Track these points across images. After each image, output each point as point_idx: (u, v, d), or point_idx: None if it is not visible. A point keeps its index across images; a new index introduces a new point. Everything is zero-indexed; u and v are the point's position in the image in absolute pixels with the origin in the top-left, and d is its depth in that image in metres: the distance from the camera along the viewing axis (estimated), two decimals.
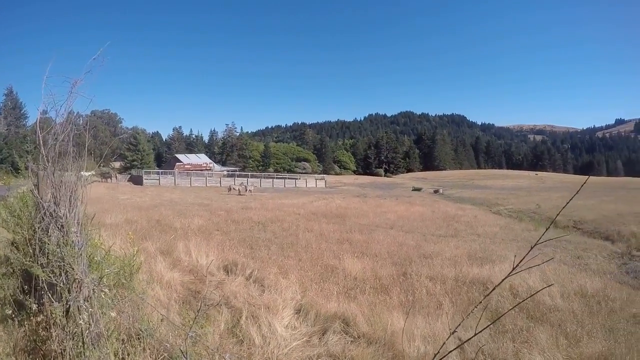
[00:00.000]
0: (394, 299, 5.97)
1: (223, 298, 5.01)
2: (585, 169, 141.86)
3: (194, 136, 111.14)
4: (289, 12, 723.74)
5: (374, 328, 4.42)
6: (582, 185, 1.65)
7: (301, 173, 76.83)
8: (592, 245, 13.84)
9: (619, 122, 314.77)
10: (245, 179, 48.21)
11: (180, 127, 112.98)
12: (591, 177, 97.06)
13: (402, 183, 66.26)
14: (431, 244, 11.35)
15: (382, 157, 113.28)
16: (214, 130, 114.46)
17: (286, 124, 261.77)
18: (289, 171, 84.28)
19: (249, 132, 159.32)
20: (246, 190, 32.12)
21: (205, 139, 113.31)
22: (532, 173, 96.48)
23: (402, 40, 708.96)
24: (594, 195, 30.79)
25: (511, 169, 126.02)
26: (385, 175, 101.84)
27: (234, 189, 32.45)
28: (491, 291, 1.48)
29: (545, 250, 13.07)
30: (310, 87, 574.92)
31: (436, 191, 43.19)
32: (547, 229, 1.53)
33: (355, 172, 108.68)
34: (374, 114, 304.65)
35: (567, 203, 1.61)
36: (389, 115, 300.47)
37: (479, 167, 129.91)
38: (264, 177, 54.19)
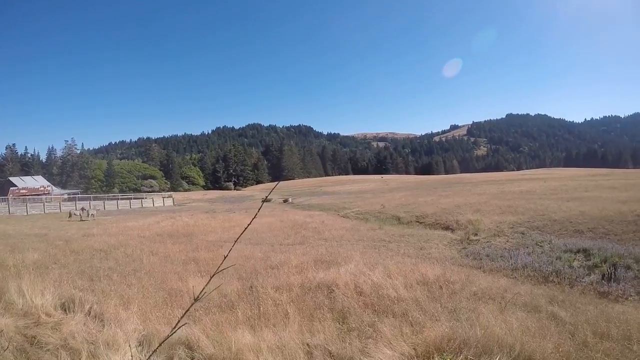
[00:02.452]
0: (239, 315, 7.14)
1: (61, 340, 5.59)
2: (426, 170, 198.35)
3: (29, 155, 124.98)
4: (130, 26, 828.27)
5: (220, 348, 5.31)
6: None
7: (148, 192, 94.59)
8: (434, 236, 18.59)
9: (454, 127, 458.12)
10: (88, 202, 56.81)
11: (14, 144, 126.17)
12: (430, 176, 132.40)
13: (251, 195, 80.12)
14: (279, 253, 14.12)
15: (231, 171, 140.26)
16: (52, 147, 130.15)
17: (131, 139, 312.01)
18: (135, 190, 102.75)
19: (91, 149, 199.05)
20: (88, 215, 38.14)
21: (43, 157, 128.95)
22: (377, 176, 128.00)
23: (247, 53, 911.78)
24: (434, 192, 41.84)
25: (357, 174, 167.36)
26: (235, 189, 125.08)
27: (74, 214, 38.16)
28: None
29: (391, 246, 16.79)
30: (155, 100, 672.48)
31: (285, 200, 54.85)
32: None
33: (205, 187, 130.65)
34: (221, 126, 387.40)
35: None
36: (237, 127, 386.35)
37: (327, 175, 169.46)
38: (108, 199, 64.14)
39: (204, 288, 1.89)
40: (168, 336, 1.80)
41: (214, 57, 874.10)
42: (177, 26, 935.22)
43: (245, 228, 2.06)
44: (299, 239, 19.15)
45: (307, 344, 5.49)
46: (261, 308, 7.53)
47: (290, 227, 23.41)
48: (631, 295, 9.52)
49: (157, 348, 5.18)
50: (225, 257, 2.00)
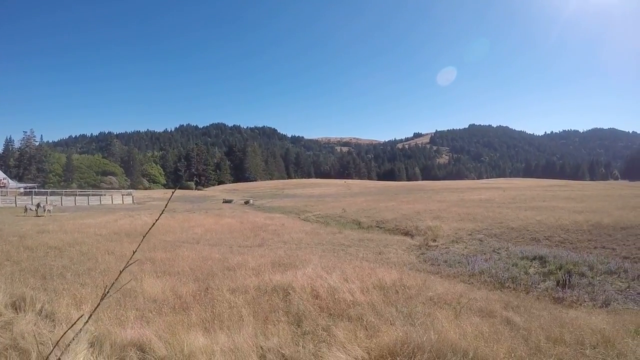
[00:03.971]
0: (193, 317, 7.13)
1: (11, 340, 5.52)
2: (388, 176, 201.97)
3: None
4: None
5: (172, 351, 5.35)
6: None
7: (107, 188, 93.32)
8: (393, 241, 18.86)
9: (417, 135, 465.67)
10: (45, 197, 55.93)
11: None
12: (392, 182, 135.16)
13: (213, 196, 79.77)
14: (237, 255, 14.20)
15: (193, 170, 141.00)
16: (10, 138, 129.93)
17: (92, 134, 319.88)
18: (94, 186, 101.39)
19: (51, 141, 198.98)
20: (45, 210, 37.95)
21: (0, 149, 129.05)
22: (340, 181, 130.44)
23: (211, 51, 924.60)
24: (395, 198, 42.55)
25: (320, 178, 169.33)
26: (196, 189, 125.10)
27: (30, 209, 38.12)
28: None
29: (350, 250, 16.94)
30: (118, 93, 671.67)
31: (247, 202, 55.32)
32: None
33: (166, 186, 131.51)
34: (185, 124, 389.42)
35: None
36: (200, 126, 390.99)
37: (290, 177, 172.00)
38: (66, 195, 62.98)
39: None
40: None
41: (183, 58, 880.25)
42: (154, 27, 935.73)
43: (151, 226, 1.88)
44: (258, 241, 19.30)
45: (261, 347, 5.53)
46: (216, 310, 7.46)
47: (250, 229, 23.62)
48: (585, 301, 9.85)
49: (109, 351, 5.51)
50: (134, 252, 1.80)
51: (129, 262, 2.07)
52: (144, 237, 2.36)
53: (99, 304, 2.32)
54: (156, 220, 2.41)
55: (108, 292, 2.02)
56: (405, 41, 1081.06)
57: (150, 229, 2.38)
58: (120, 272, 2.41)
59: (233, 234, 21.38)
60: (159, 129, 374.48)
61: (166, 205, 2.36)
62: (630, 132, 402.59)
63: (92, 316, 6.63)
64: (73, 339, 5.32)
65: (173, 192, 3.21)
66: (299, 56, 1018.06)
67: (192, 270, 11.47)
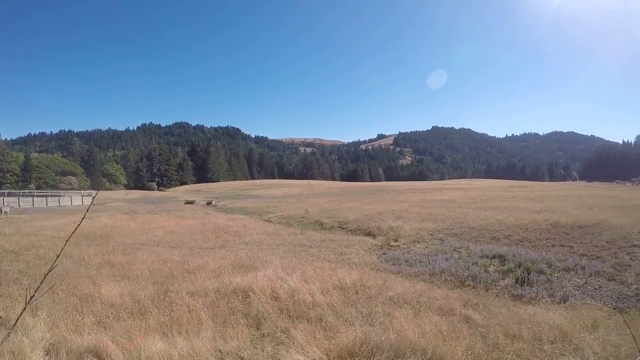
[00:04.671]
0: (151, 322, 7.06)
1: None
2: (351, 176, 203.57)
3: None
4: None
5: (130, 356, 5.30)
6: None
7: (67, 189, 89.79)
8: (355, 242, 18.96)
9: (381, 136, 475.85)
10: (1, 198, 53.48)
11: None
12: (356, 183, 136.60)
13: (175, 196, 79.35)
14: (197, 257, 14.16)
15: (155, 170, 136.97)
16: None
17: (52, 132, 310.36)
18: (54, 187, 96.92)
19: (9, 139, 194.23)
20: (1, 212, 36.79)
21: None
22: (303, 181, 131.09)
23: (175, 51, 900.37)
24: (358, 199, 42.89)
25: (284, 178, 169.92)
26: (158, 189, 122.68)
27: None
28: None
29: (311, 251, 16.98)
30: (79, 90, 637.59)
31: (209, 203, 55.00)
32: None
33: (127, 187, 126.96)
34: (147, 123, 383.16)
35: None
36: (163, 125, 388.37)
37: (253, 178, 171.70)
38: (24, 195, 60.92)
39: None
40: None
41: (147, 57, 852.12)
42: (118, 27, 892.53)
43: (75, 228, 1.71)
44: (220, 242, 19.23)
45: (220, 351, 5.51)
46: (174, 314, 7.38)
47: (212, 230, 23.56)
48: (544, 298, 10.11)
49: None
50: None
51: (54, 265, 1.90)
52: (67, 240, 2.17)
53: (24, 308, 2.13)
54: (79, 224, 2.21)
55: (33, 296, 1.85)
56: (367, 42, 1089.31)
57: (73, 232, 2.19)
58: (45, 275, 2.20)
59: (194, 236, 21.26)
60: (121, 127, 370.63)
61: (87, 210, 2.17)
62: (589, 135, 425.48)
63: (48, 323, 6.59)
64: (28, 347, 5.39)
65: (94, 196, 3.00)
66: (264, 58, 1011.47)
67: (151, 274, 11.33)
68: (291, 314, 7.52)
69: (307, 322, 6.97)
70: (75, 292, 9.43)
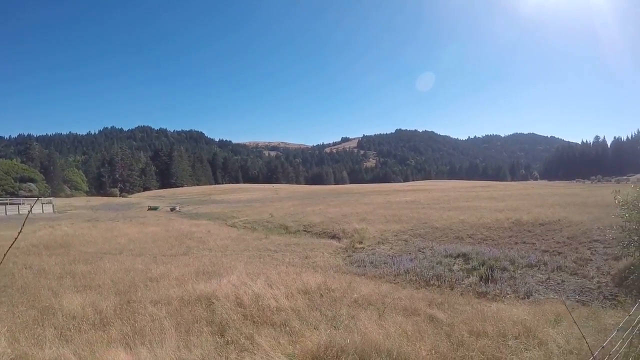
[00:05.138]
0: (114, 333, 6.99)
1: None
2: (316, 180, 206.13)
3: None
4: None
5: None
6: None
7: (26, 196, 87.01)
8: (320, 245, 19.00)
9: (345, 139, 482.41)
10: None
11: None
12: (320, 186, 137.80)
13: (138, 203, 78.16)
14: (161, 265, 14.04)
15: (117, 175, 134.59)
16: None
17: (10, 136, 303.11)
18: (12, 194, 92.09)
19: None
20: None
21: None
22: (268, 185, 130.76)
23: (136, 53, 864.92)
24: (323, 202, 43.02)
25: (248, 182, 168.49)
26: (120, 195, 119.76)
27: None
28: None
29: (276, 255, 16.92)
30: (38, 92, 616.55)
31: (173, 209, 54.25)
32: None
33: (88, 193, 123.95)
34: (109, 127, 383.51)
35: None
36: (125, 129, 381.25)
37: (217, 183, 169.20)
38: None
39: None
40: None
41: (107, 58, 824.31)
42: (77, 29, 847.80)
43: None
44: (183, 249, 18.98)
45: None
46: (137, 324, 7.26)
47: (175, 237, 23.24)
48: (508, 294, 10.31)
49: None
50: None
51: None
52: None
53: None
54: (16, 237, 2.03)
55: None
56: (328, 45, 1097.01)
57: (12, 243, 2.02)
58: None
59: (157, 243, 20.91)
60: (82, 131, 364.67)
61: (24, 221, 2.00)
62: (549, 136, 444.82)
63: (9, 337, 6.44)
64: None
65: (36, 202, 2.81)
66: (226, 59, 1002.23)
67: (113, 283, 11.18)
68: (256, 319, 7.49)
69: (272, 328, 6.97)
70: (36, 304, 9.26)
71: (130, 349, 5.95)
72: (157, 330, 6.87)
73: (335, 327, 6.77)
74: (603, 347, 3.20)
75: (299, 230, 24.47)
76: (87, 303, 8.94)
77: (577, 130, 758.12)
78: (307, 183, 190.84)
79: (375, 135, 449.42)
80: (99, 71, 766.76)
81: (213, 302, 8.42)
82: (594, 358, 3.04)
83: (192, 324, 7.21)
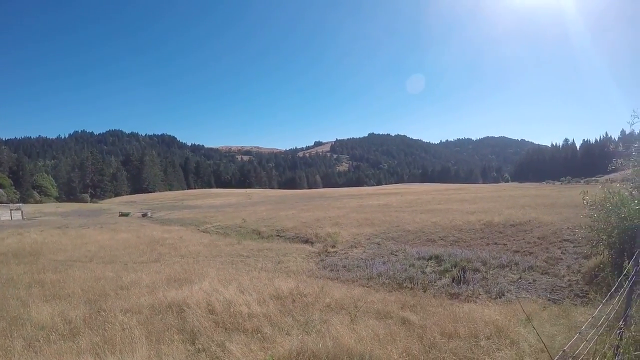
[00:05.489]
0: (84, 343, 6.89)
1: None
2: (289, 184, 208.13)
3: None
4: None
5: None
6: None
7: None
8: (293, 250, 18.95)
9: (318, 144, 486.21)
10: None
11: None
12: (294, 190, 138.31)
13: (109, 209, 77.25)
14: (132, 272, 13.96)
15: (88, 181, 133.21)
16: None
17: None
18: None
19: None
20: None
21: None
22: (241, 190, 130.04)
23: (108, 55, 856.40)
24: (296, 206, 43.05)
25: (221, 187, 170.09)
26: (91, 201, 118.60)
27: None
28: None
29: (249, 261, 16.80)
30: (5, 94, 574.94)
31: (144, 215, 53.75)
32: None
33: (58, 199, 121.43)
34: (80, 131, 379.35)
35: None
36: (96, 133, 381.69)
37: (189, 188, 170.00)
38: None
39: None
40: None
41: (77, 63, 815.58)
42: (45, 26, 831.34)
43: None
44: (155, 256, 18.84)
45: None
46: (107, 334, 7.21)
47: (147, 243, 23.07)
48: (480, 295, 10.41)
49: None
50: None
51: None
52: None
53: None
54: None
55: None
56: (308, 50, 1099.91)
57: None
58: None
59: (128, 250, 20.78)
60: (52, 135, 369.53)
61: None
62: (519, 139, 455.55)
63: None
64: None
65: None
66: (202, 66, 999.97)
67: (83, 292, 11.04)
68: (227, 326, 7.42)
69: (244, 334, 6.91)
70: (4, 315, 9.13)
71: (100, 359, 5.92)
72: (128, 339, 6.79)
73: (307, 332, 6.76)
74: (564, 350, 3.23)
75: (271, 235, 24.41)
76: (57, 313, 8.83)
77: (547, 133, 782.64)
78: (280, 187, 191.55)
79: (348, 139, 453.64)
80: (69, 73, 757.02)
81: (184, 310, 8.32)
82: (564, 354, 3.07)
83: (163, 332, 7.12)
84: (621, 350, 3.73)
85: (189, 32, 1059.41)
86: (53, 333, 7.50)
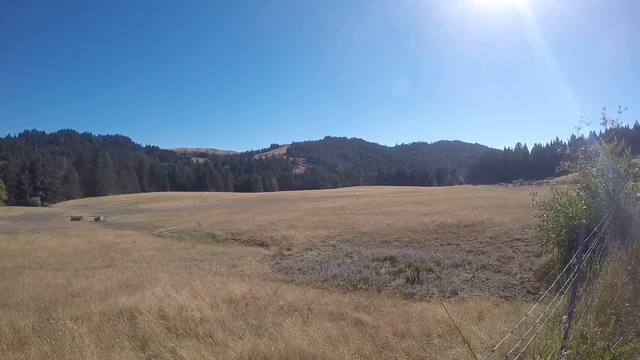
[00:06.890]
0: (32, 353, 6.68)
1: None
2: (245, 187, 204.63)
3: None
4: None
5: None
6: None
7: None
8: (248, 253, 18.87)
9: (274, 146, 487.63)
10: None
11: None
12: (250, 193, 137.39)
13: (61, 212, 73.70)
14: (83, 279, 13.56)
15: (39, 183, 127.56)
16: None
17: None
18: None
19: None
20: None
21: None
22: (197, 193, 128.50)
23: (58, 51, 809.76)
24: (251, 209, 42.82)
25: (176, 190, 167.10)
26: (42, 205, 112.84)
27: None
28: None
29: (203, 265, 16.60)
30: None
31: (97, 219, 52.29)
32: None
33: (7, 202, 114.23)
34: (30, 130, 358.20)
35: None
36: (48, 132, 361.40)
37: (144, 190, 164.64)
38: None
39: None
40: None
41: (27, 58, 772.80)
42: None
43: None
44: (107, 261, 18.43)
45: None
46: (57, 342, 6.95)
47: (99, 248, 22.60)
48: (434, 294, 10.55)
49: None
50: None
51: None
52: None
53: None
54: None
55: None
56: (260, 55, 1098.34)
57: None
58: None
59: (80, 256, 20.29)
60: (1, 134, 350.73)
61: None
62: (473, 143, 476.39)
63: None
64: None
65: None
66: (159, 67, 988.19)
67: (33, 300, 10.70)
68: (179, 332, 7.33)
69: (196, 339, 6.84)
70: None
71: None
72: (77, 348, 6.63)
73: (259, 335, 6.72)
74: (515, 346, 3.30)
75: (227, 239, 24.25)
76: (5, 322, 8.58)
77: (500, 137, 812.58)
78: (236, 190, 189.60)
79: (304, 142, 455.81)
80: (20, 70, 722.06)
81: (136, 316, 8.16)
82: (515, 350, 3.14)
83: (113, 339, 6.98)
84: (567, 344, 3.89)
85: (145, 34, 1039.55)
86: (1, 343, 7.28)
